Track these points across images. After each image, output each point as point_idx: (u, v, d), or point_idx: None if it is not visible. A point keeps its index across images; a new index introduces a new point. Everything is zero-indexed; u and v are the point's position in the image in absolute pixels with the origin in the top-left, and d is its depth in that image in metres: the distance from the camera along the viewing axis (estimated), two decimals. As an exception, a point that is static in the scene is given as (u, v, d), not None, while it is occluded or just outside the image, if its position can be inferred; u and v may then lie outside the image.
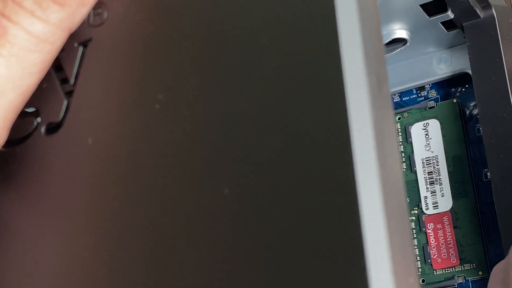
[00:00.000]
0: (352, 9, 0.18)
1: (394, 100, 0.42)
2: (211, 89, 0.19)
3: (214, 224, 0.18)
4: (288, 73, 0.18)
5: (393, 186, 0.17)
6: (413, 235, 0.38)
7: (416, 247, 0.38)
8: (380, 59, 0.19)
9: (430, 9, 0.36)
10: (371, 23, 0.19)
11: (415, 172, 0.39)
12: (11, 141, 0.22)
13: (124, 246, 0.20)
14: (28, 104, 0.22)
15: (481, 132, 0.36)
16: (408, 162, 0.39)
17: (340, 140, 0.17)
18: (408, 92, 0.41)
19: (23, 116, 0.22)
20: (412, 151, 0.39)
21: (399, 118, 0.40)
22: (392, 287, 0.16)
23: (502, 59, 0.35)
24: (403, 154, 0.39)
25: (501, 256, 0.35)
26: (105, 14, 0.22)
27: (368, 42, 0.18)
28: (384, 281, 0.16)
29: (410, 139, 0.39)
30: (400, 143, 0.40)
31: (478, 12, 0.36)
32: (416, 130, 0.39)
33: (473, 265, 0.36)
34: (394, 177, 0.18)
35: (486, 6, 0.36)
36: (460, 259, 0.37)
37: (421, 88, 0.41)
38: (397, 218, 0.17)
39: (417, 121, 0.39)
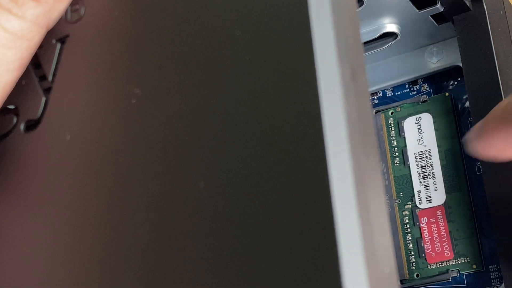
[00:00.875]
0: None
1: (387, 95, 0.41)
2: (186, 83, 0.19)
3: (188, 218, 0.18)
4: (261, 65, 0.18)
5: (368, 174, 0.17)
6: (406, 229, 0.38)
7: (410, 241, 0.38)
8: (355, 50, 0.19)
9: (419, 3, 0.36)
10: (346, 12, 0.18)
11: (408, 167, 0.39)
12: (-10, 139, 0.22)
13: (103, 241, 0.20)
14: (7, 101, 0.22)
15: (473, 125, 0.36)
16: (401, 156, 0.39)
17: (312, 131, 0.17)
18: (401, 86, 0.41)
19: (2, 113, 0.22)
20: (405, 145, 0.39)
21: (391, 113, 0.40)
22: (365, 277, 0.16)
23: (492, 51, 0.35)
24: (396, 149, 0.39)
25: (495, 249, 0.35)
26: (82, 10, 0.22)
27: (341, 32, 0.18)
28: (357, 271, 0.16)
29: (403, 134, 0.39)
30: (393, 138, 0.39)
31: (468, 4, 0.35)
32: (409, 124, 0.39)
33: (467, 259, 0.36)
34: (370, 164, 0.18)
35: (476, -2, 0.36)
36: (454, 253, 0.36)
37: (414, 82, 0.41)
38: (371, 204, 0.17)
39: (410, 115, 0.39)
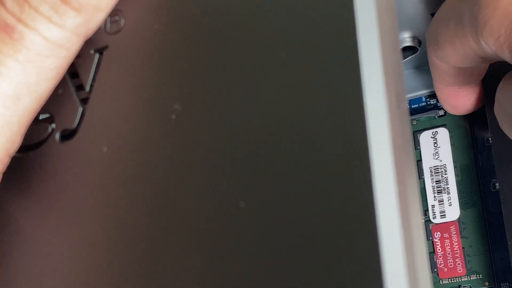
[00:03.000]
0: (373, 27, 0.18)
1: (403, 108, 0.42)
2: (229, 100, 0.19)
3: (230, 235, 0.18)
4: (307, 86, 0.18)
5: (410, 198, 0.17)
6: (425, 237, 0.38)
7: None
8: (398, 77, 0.19)
9: (442, 18, 0.36)
10: (391, 40, 0.18)
11: (423, 180, 0.39)
12: (25, 147, 0.22)
13: (136, 256, 0.20)
14: (43, 109, 0.22)
15: (490, 142, 0.36)
16: (416, 170, 0.39)
17: (359, 156, 0.17)
18: (418, 99, 0.41)
19: (37, 122, 0.22)
20: (421, 159, 0.39)
21: (407, 126, 0.40)
22: None
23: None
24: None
25: (508, 267, 0.35)
26: (122, 22, 0.22)
27: (388, 61, 0.18)
28: None
29: (418, 147, 0.39)
30: (409, 151, 0.39)
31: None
32: (425, 138, 0.39)
33: (479, 276, 0.36)
34: (412, 191, 0.18)
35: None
36: (466, 269, 0.37)
37: (431, 96, 0.41)
38: (413, 229, 0.17)
39: (426, 129, 0.39)
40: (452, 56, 0.31)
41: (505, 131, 0.32)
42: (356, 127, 0.17)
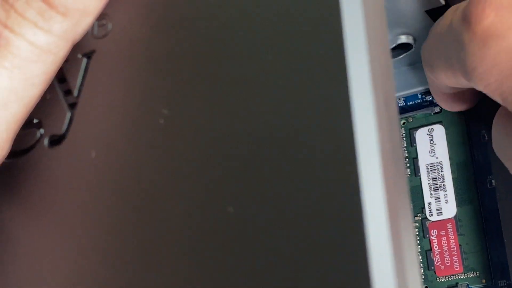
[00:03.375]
0: (360, 27, 0.17)
1: (399, 105, 0.41)
2: (217, 104, 0.19)
3: (218, 240, 0.18)
4: (294, 91, 0.18)
5: (400, 203, 0.17)
6: (416, 241, 0.38)
7: (419, 253, 0.38)
8: (387, 79, 0.18)
9: (436, 15, 0.36)
10: (380, 41, 0.18)
11: (419, 178, 0.39)
12: (14, 152, 0.22)
13: (124, 261, 0.20)
14: (31, 115, 0.22)
15: (486, 138, 0.36)
16: (412, 167, 0.39)
17: (347, 162, 0.17)
18: (413, 96, 0.41)
19: (26, 127, 0.22)
20: (417, 156, 0.39)
21: (403, 123, 0.40)
22: None
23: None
24: (407, 159, 0.39)
25: (505, 264, 0.35)
26: (109, 26, 0.22)
27: (375, 63, 0.18)
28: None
29: (414, 144, 0.39)
30: (405, 148, 0.39)
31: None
32: (421, 135, 0.39)
33: (476, 273, 0.36)
34: (400, 191, 0.18)
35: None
36: (463, 267, 0.37)
37: (426, 92, 0.41)
38: (403, 237, 0.17)
39: (422, 126, 0.39)
40: (446, 81, 0.31)
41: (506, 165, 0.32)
42: (343, 132, 0.17)
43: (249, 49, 0.19)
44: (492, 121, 0.34)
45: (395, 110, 0.19)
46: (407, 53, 0.39)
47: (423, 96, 0.41)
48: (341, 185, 0.17)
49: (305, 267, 0.17)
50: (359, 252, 0.16)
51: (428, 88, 0.40)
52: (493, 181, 0.36)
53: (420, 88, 0.41)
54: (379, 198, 0.16)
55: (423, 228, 0.38)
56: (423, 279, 0.37)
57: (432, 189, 0.38)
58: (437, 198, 0.38)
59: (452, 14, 0.30)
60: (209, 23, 0.20)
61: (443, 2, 0.34)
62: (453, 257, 0.37)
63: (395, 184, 0.17)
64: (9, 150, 0.21)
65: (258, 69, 0.18)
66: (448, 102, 0.36)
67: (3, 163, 0.22)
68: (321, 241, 0.17)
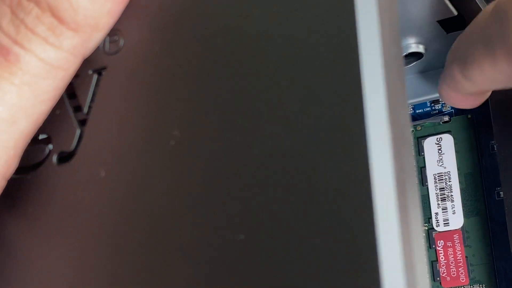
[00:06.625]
0: (377, 58, 0.17)
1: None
2: (230, 127, 0.19)
3: (227, 264, 0.18)
4: (309, 114, 0.18)
5: (411, 211, 0.17)
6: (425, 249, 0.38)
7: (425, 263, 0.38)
8: (402, 104, 0.18)
9: (448, 26, 0.35)
10: (395, 67, 0.18)
11: (427, 187, 0.38)
12: (22, 168, 0.21)
13: (132, 284, 0.19)
14: (40, 130, 0.21)
15: (496, 149, 0.35)
16: (419, 176, 0.39)
17: (361, 193, 0.17)
18: (422, 104, 0.41)
19: (34, 142, 0.22)
20: (424, 165, 0.39)
21: (412, 131, 0.40)
22: None
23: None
24: (414, 168, 0.39)
25: (511, 276, 0.35)
26: (121, 42, 0.21)
27: (391, 86, 0.17)
28: None
29: (422, 153, 0.39)
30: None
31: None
32: (429, 144, 0.39)
33: (482, 286, 0.36)
34: (413, 202, 0.17)
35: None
36: (469, 279, 0.36)
37: (435, 101, 0.40)
38: (414, 245, 0.17)
39: (431, 135, 0.39)
40: (479, 78, 0.30)
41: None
42: (357, 160, 0.17)
43: (264, 71, 0.19)
44: (502, 133, 0.34)
45: (409, 137, 0.18)
46: (418, 62, 0.38)
47: (432, 105, 0.40)
48: (356, 217, 0.17)
49: (317, 272, 0.17)
50: (371, 260, 0.16)
51: (437, 97, 0.40)
52: (501, 192, 0.36)
53: (429, 96, 0.40)
54: (392, 212, 0.16)
55: (430, 239, 0.38)
56: (429, 290, 0.37)
57: (440, 199, 0.38)
58: (444, 209, 0.38)
59: (493, 3, 0.29)
60: (223, 43, 0.20)
61: (455, 13, 0.34)
62: (459, 269, 0.37)
63: (407, 192, 0.17)
64: (16, 166, 0.21)
65: (274, 95, 0.18)
66: (458, 101, 0.35)
67: (11, 178, 0.21)
68: (333, 262, 0.16)
